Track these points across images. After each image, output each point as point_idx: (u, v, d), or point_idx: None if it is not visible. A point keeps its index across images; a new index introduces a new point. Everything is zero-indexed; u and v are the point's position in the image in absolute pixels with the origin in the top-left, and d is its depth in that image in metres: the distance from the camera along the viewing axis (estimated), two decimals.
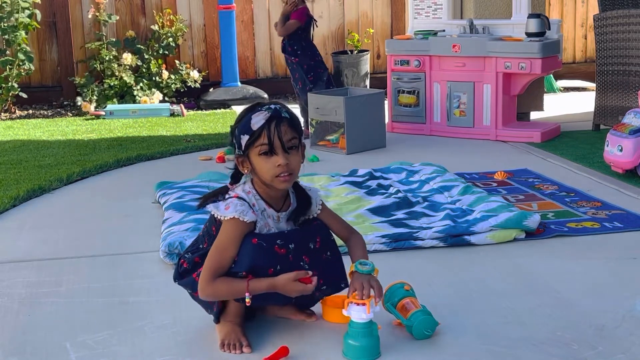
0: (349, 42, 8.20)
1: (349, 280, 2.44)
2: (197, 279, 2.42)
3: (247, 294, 2.33)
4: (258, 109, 2.38)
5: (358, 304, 2.34)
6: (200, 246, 2.50)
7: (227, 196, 2.43)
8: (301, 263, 2.40)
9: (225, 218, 2.37)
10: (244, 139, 2.36)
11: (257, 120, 2.35)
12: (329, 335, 2.49)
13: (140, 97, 7.40)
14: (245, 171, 2.44)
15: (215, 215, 2.40)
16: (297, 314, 2.62)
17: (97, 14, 7.57)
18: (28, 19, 7.17)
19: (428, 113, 5.90)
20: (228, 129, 6.53)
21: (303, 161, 2.48)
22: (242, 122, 2.38)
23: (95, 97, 7.39)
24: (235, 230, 2.36)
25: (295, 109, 7.38)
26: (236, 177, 2.49)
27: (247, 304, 2.36)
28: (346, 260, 2.54)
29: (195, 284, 2.44)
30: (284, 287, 2.34)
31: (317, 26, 6.12)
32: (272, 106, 2.38)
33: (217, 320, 2.48)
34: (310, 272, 2.36)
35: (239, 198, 2.40)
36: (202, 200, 2.48)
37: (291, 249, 2.39)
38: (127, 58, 7.52)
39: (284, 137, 2.36)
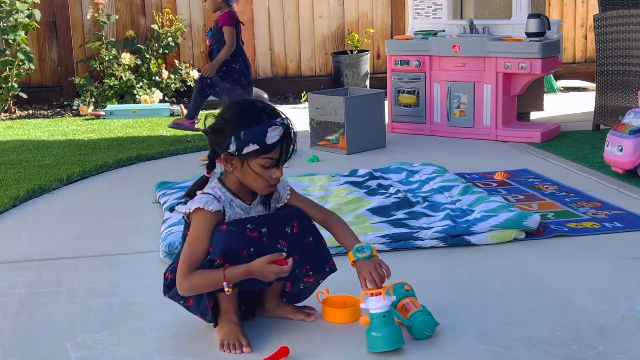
0: (349, 42, 8.20)
1: (357, 271, 2.43)
2: None
3: (224, 283, 2.33)
4: (274, 122, 2.37)
5: (373, 295, 2.35)
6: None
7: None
8: (278, 246, 2.41)
9: (190, 209, 2.39)
10: (252, 147, 2.35)
11: (273, 135, 2.35)
12: (329, 335, 2.49)
13: (141, 96, 7.40)
14: (230, 168, 2.44)
15: (182, 211, 2.43)
16: (297, 314, 2.62)
17: (96, 14, 7.57)
18: (27, 19, 7.18)
19: (428, 113, 5.90)
20: None
21: None
22: (255, 130, 2.35)
23: (93, 99, 7.40)
24: (202, 222, 2.38)
25: (295, 109, 7.39)
26: (212, 166, 2.50)
27: (227, 293, 2.37)
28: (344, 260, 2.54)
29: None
30: (259, 270, 2.35)
31: (240, 31, 5.71)
32: (285, 121, 2.39)
33: (216, 323, 2.48)
34: (284, 254, 2.37)
35: (204, 193, 2.43)
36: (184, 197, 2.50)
37: (264, 232, 2.40)
38: (126, 57, 7.53)
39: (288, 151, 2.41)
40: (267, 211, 2.52)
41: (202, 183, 2.51)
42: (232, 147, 2.38)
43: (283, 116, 2.41)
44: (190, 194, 2.48)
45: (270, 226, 2.43)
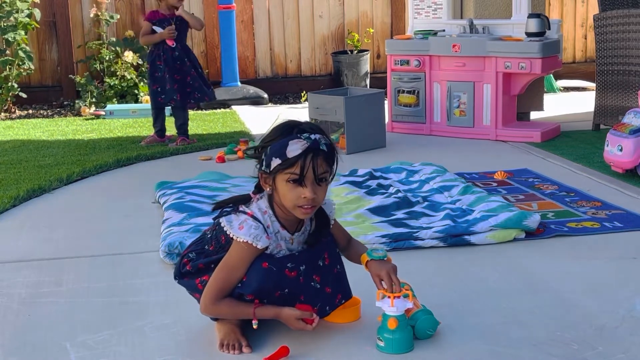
0: (349, 42, 8.20)
1: (372, 272, 2.43)
2: (200, 286, 2.43)
3: (254, 322, 2.36)
4: (298, 135, 2.28)
5: (395, 297, 2.35)
6: (206, 247, 2.47)
7: (241, 209, 2.37)
8: (312, 283, 2.41)
9: (238, 239, 2.32)
10: (275, 162, 2.28)
11: (294, 148, 2.25)
12: (329, 335, 2.49)
13: (142, 96, 7.40)
14: (267, 188, 2.37)
15: (228, 232, 2.35)
16: None
17: (99, 13, 7.57)
18: (27, 19, 7.18)
19: (428, 113, 5.90)
20: (228, 129, 6.52)
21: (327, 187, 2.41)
22: (278, 143, 2.28)
23: (94, 100, 7.39)
24: (246, 253, 2.33)
25: (295, 109, 7.39)
26: (260, 187, 2.41)
27: (254, 328, 2.39)
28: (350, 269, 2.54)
29: (196, 288, 2.45)
30: (287, 320, 2.38)
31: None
32: (313, 136, 2.28)
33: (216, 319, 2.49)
34: (314, 315, 2.38)
35: (254, 218, 2.34)
36: (218, 205, 2.44)
37: (302, 270, 2.39)
38: (129, 56, 7.53)
39: (317, 170, 2.29)
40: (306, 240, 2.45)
41: (243, 200, 2.43)
42: (264, 165, 2.32)
43: (317, 135, 2.29)
44: (234, 204, 2.41)
45: (307, 262, 2.40)
